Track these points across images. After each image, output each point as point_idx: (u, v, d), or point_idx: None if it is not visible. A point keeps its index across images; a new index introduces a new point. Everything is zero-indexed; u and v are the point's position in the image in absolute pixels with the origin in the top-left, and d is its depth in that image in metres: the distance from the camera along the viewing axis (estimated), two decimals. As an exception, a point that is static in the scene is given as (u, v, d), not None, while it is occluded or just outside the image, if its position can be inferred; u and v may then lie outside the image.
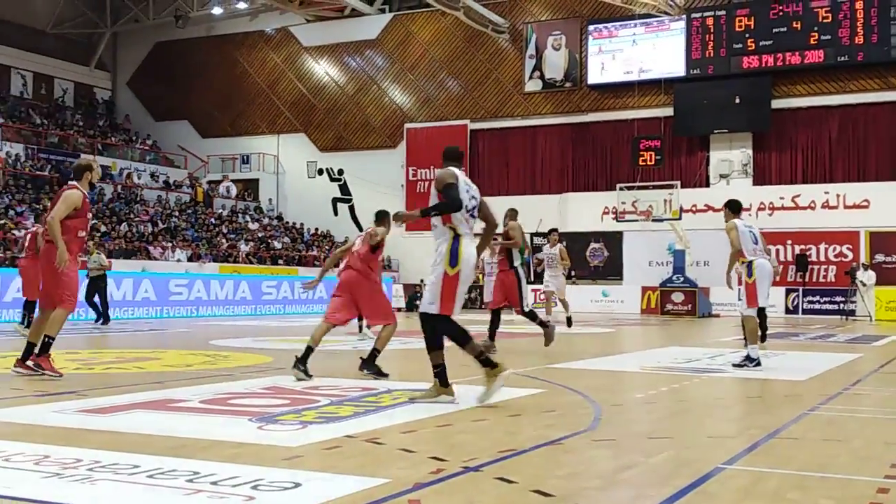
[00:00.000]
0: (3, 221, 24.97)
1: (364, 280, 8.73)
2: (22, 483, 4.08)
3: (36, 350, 8.39)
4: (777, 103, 31.10)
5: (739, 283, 10.57)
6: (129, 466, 4.41)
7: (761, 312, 11.77)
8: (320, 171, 38.83)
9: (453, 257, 6.73)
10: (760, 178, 31.82)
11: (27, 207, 26.92)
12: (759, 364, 9.95)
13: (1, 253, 23.11)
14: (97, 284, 18.70)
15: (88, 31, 40.76)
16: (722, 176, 32.10)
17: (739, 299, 10.58)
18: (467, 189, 6.88)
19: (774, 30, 30.87)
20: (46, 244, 8.52)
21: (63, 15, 39.36)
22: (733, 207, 10.67)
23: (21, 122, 34.52)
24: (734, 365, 10.07)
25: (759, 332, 11.80)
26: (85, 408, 6.45)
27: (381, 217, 9.08)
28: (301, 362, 8.34)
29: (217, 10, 38.95)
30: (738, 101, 31.20)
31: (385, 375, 8.63)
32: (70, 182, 8.81)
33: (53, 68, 39.50)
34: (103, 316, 18.82)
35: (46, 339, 8.39)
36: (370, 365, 8.72)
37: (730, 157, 32.11)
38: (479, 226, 7.19)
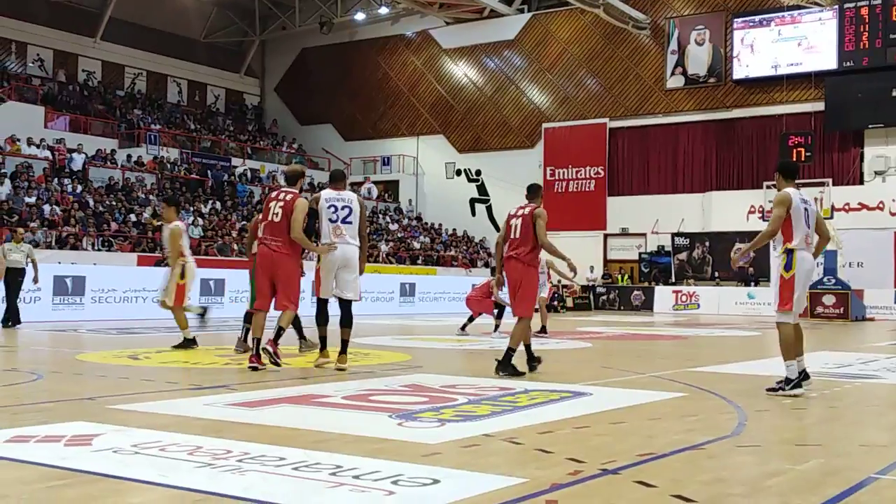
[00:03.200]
0: (160, 223, 26.26)
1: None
2: (176, 472, 4.28)
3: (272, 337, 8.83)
4: (937, 95, 29.44)
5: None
6: (275, 458, 4.57)
7: None
8: (458, 172, 39.16)
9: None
10: (920, 175, 30.16)
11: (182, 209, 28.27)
12: (798, 386, 7.50)
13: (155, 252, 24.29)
14: (15, 279, 15.86)
15: (238, 39, 42.46)
16: (877, 173, 30.54)
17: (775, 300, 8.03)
18: (331, 204, 8.81)
19: (934, 18, 29.22)
20: (281, 255, 8.78)
21: (215, 25, 41.13)
22: (787, 170, 7.93)
23: (176, 128, 36.31)
24: (767, 390, 7.68)
25: None
26: (234, 401, 6.71)
27: None
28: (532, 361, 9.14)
29: (360, 16, 39.86)
30: (894, 94, 29.67)
31: (521, 374, 8.62)
32: (287, 188, 9.07)
33: (206, 76, 41.41)
34: (12, 317, 15.92)
35: (279, 331, 8.87)
36: (505, 366, 8.69)
37: (886, 153, 30.53)
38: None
